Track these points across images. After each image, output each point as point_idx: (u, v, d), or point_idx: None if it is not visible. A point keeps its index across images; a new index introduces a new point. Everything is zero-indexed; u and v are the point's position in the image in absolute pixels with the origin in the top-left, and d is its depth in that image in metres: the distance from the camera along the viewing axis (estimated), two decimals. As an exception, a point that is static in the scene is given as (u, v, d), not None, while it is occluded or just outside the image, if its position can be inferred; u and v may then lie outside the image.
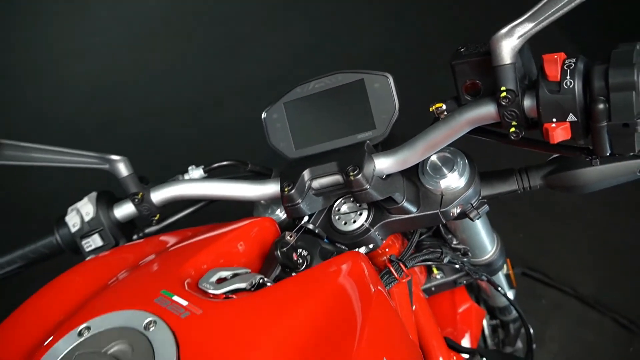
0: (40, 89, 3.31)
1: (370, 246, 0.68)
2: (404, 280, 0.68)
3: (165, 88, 2.99)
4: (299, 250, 0.62)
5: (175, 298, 0.47)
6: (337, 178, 0.63)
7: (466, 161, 0.66)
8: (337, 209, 0.69)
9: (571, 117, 0.47)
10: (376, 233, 0.67)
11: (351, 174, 0.59)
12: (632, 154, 0.47)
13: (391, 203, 0.65)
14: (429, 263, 0.76)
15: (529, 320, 0.92)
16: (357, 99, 0.65)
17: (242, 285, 0.51)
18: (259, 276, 0.53)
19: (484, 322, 1.17)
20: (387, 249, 0.73)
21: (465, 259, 0.79)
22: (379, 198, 0.61)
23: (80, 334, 0.45)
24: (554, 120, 0.48)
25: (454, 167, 0.65)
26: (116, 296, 0.50)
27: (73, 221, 0.69)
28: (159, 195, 0.69)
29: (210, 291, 0.49)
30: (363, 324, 0.47)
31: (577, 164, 0.63)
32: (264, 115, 0.69)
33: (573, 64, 0.47)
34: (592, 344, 1.60)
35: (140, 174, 0.70)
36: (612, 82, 0.44)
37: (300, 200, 0.62)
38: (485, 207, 0.68)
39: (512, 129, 0.52)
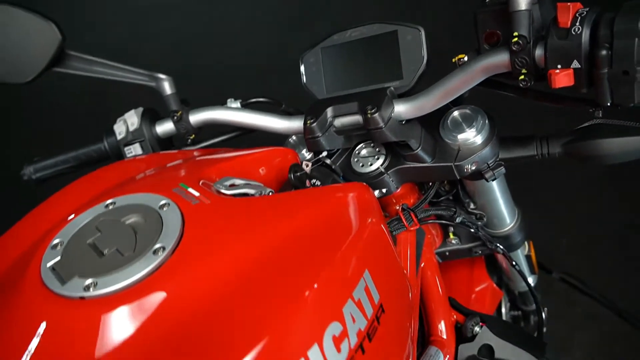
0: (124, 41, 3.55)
1: (384, 190, 0.71)
2: (412, 229, 0.71)
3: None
4: (313, 180, 0.67)
5: (190, 190, 0.53)
6: (357, 118, 0.66)
7: (486, 120, 0.68)
8: (357, 152, 0.73)
9: (575, 64, 0.48)
10: (390, 178, 0.70)
11: (369, 112, 0.63)
12: (632, 104, 0.48)
13: (407, 150, 0.68)
14: (443, 222, 0.78)
15: (559, 325, 0.91)
16: (389, 49, 0.69)
17: (251, 191, 0.56)
18: (269, 189, 0.58)
19: (503, 311, 1.17)
20: (401, 200, 0.76)
21: (479, 223, 0.81)
22: (394, 139, 0.64)
23: (106, 206, 0.52)
24: (559, 66, 0.49)
25: (473, 124, 0.67)
26: (142, 183, 0.56)
27: (119, 130, 0.77)
28: (196, 117, 0.76)
29: (222, 191, 0.55)
30: (353, 240, 0.51)
31: (599, 134, 0.63)
32: (301, 57, 0.74)
33: (585, 13, 0.48)
34: (619, 357, 1.55)
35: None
36: (617, 29, 0.45)
37: (320, 134, 0.67)
38: (502, 170, 0.70)
39: (522, 77, 0.54)
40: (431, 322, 0.80)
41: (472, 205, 0.82)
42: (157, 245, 0.46)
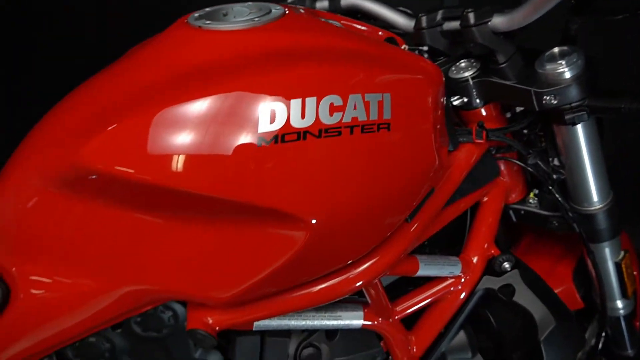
0: None
1: (465, 99, 0.79)
2: (477, 141, 0.78)
3: None
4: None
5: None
6: (457, 25, 0.76)
7: (582, 60, 0.71)
8: (456, 64, 0.82)
9: None
10: (473, 89, 0.78)
11: (467, 10, 0.72)
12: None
13: (494, 63, 0.75)
14: (514, 161, 0.82)
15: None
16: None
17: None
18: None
19: (587, 334, 1.07)
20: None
21: (555, 176, 0.81)
22: (480, 41, 0.72)
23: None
24: None
25: (566, 58, 0.71)
26: None
27: None
28: (347, 1, 0.94)
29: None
30: (395, 72, 0.64)
31: None
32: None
33: None
34: None
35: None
36: None
37: (426, 27, 0.78)
38: (584, 115, 0.72)
39: None
40: (470, 241, 0.84)
41: (556, 162, 0.83)
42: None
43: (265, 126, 0.55)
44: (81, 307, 0.69)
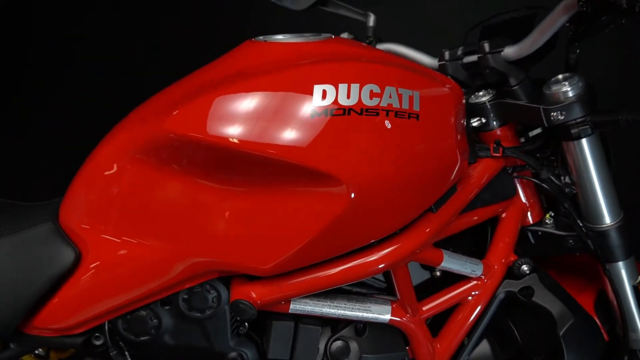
0: None
1: (483, 120, 0.91)
2: (494, 154, 0.88)
3: None
4: None
5: None
6: (475, 58, 0.90)
7: (583, 83, 0.83)
8: (475, 92, 0.95)
9: None
10: (490, 110, 0.90)
11: (483, 42, 0.87)
12: None
13: (507, 87, 0.87)
14: (529, 178, 0.91)
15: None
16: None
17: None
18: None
19: None
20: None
21: (567, 190, 0.89)
22: (494, 66, 0.85)
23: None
24: None
25: (569, 81, 0.83)
26: None
27: None
28: (382, 47, 1.10)
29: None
30: (424, 79, 0.77)
31: None
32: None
33: None
34: None
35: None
36: None
37: (448, 60, 0.93)
38: (587, 129, 0.83)
39: (580, 3, 0.71)
40: (491, 250, 0.91)
41: (566, 179, 0.92)
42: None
43: (318, 102, 0.67)
44: (143, 273, 0.78)
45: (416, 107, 0.73)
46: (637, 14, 0.70)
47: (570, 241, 0.95)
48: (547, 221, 0.98)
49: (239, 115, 0.68)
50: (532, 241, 0.99)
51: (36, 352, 0.91)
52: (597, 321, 0.96)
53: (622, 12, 0.70)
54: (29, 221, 0.82)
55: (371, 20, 1.09)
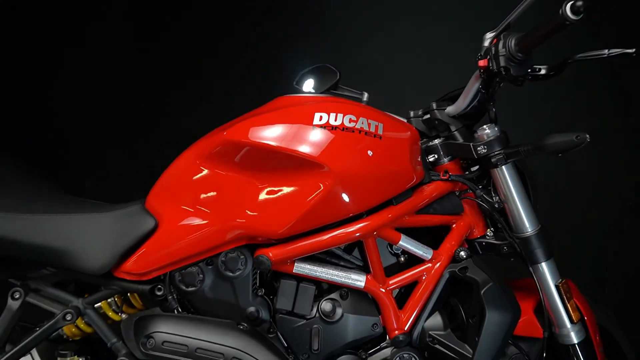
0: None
1: (435, 155, 1.31)
2: (443, 177, 1.27)
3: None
4: None
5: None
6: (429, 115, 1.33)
7: (498, 129, 1.24)
8: (432, 140, 1.36)
9: None
10: (439, 148, 1.31)
11: (432, 103, 1.30)
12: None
13: (450, 131, 1.29)
14: (464, 197, 1.29)
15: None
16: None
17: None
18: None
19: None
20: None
21: (496, 205, 1.25)
22: (440, 118, 1.27)
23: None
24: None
25: (489, 126, 1.24)
26: None
27: None
28: None
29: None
30: (387, 121, 1.20)
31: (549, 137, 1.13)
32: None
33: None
34: None
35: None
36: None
37: (412, 117, 1.36)
38: (502, 159, 1.22)
39: (481, 73, 1.15)
40: (442, 245, 1.26)
41: (496, 198, 1.28)
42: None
43: (317, 121, 1.11)
44: (197, 236, 1.18)
45: (380, 132, 1.15)
46: (520, 83, 1.13)
47: (505, 248, 1.29)
48: (488, 234, 1.33)
49: (269, 129, 1.12)
50: (479, 249, 1.34)
51: (113, 307, 1.28)
52: (538, 323, 1.27)
53: (512, 80, 1.14)
54: (125, 204, 1.24)
55: (365, 97, 1.56)
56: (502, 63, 1.07)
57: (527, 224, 1.25)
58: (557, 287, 1.26)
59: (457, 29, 2.33)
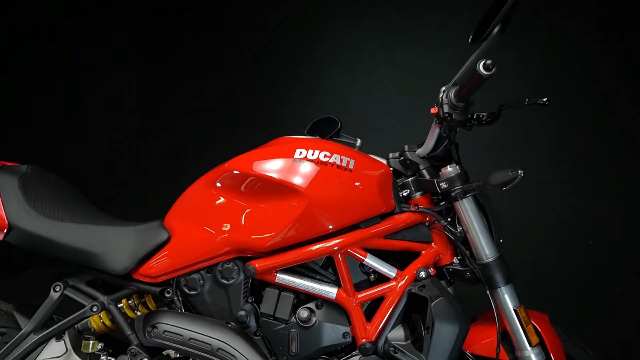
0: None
1: (408, 191, 1.52)
2: (412, 208, 1.47)
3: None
4: None
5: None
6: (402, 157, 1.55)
7: (459, 167, 1.44)
8: (406, 178, 1.57)
9: None
10: (411, 186, 1.51)
11: (403, 146, 1.53)
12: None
13: (419, 169, 1.50)
14: (433, 227, 1.47)
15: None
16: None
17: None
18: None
19: None
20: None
21: (458, 235, 1.43)
22: (411, 158, 1.50)
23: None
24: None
25: (451, 167, 1.45)
26: None
27: None
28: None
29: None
30: (360, 161, 1.44)
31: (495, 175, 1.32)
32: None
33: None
34: None
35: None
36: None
37: (390, 158, 1.58)
38: (461, 193, 1.42)
39: (439, 122, 1.37)
40: (410, 266, 1.44)
41: (459, 228, 1.46)
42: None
43: (297, 155, 1.37)
44: (199, 248, 1.44)
45: (350, 166, 1.39)
46: (469, 127, 1.36)
47: (468, 274, 1.46)
48: (455, 261, 1.50)
49: (262, 161, 1.40)
50: (447, 275, 1.50)
51: (132, 306, 1.54)
52: (503, 349, 1.42)
53: (459, 124, 1.36)
54: (147, 222, 1.54)
55: (358, 142, 1.81)
56: (445, 110, 1.30)
57: (487, 252, 1.42)
58: (515, 311, 1.40)
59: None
